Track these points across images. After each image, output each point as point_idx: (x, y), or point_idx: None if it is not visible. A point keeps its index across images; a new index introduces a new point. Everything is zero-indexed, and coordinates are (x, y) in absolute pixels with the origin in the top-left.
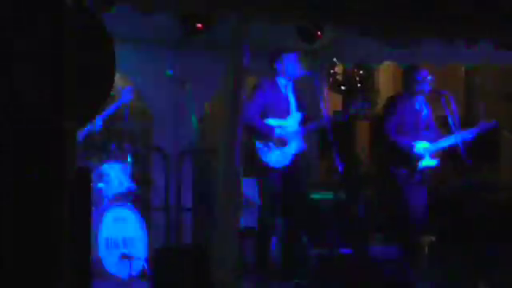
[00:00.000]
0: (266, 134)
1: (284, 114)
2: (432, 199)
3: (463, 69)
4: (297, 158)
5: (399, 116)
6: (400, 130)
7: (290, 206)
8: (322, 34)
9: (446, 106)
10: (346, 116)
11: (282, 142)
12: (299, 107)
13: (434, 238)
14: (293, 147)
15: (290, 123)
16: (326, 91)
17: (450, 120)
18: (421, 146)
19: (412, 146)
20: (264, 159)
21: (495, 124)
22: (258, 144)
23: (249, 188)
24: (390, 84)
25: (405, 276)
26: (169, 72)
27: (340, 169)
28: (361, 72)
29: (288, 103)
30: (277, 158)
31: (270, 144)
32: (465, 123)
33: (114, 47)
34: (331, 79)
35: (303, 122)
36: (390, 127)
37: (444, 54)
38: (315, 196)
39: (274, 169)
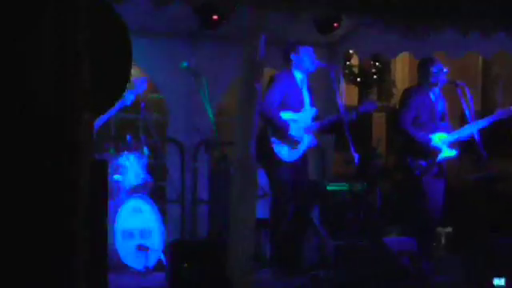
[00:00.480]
0: (282, 130)
1: (298, 108)
2: (449, 191)
3: (481, 59)
4: (306, 154)
5: (415, 109)
6: (416, 122)
7: (300, 197)
8: (338, 25)
9: (463, 97)
10: (355, 115)
11: (295, 142)
12: (313, 103)
13: (450, 230)
14: (304, 143)
15: (304, 118)
16: (342, 83)
17: (466, 111)
18: (439, 137)
19: (430, 140)
20: (276, 152)
21: None
22: (272, 137)
23: (265, 179)
24: (406, 76)
25: (421, 268)
26: (184, 64)
27: (356, 160)
28: (377, 64)
29: (302, 97)
30: (288, 152)
31: (283, 140)
32: (482, 115)
33: (130, 38)
34: (347, 71)
35: (317, 117)
36: (406, 120)
37: (461, 45)
38: (331, 187)
39: (285, 162)
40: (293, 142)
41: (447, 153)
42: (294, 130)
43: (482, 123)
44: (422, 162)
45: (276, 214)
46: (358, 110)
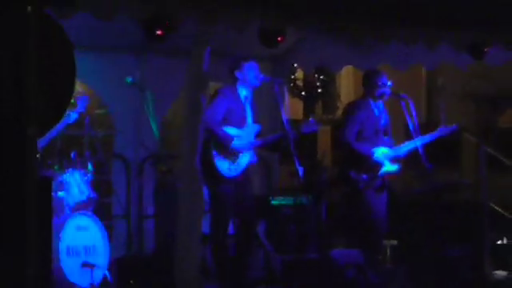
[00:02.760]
0: (224, 143)
1: (240, 123)
2: (393, 203)
3: (425, 71)
4: (247, 170)
5: (359, 122)
6: (360, 136)
7: (244, 212)
8: (283, 39)
9: (406, 110)
10: (296, 135)
11: (235, 155)
12: (256, 119)
13: (395, 242)
14: (245, 159)
15: (246, 134)
16: (286, 97)
17: (409, 124)
18: (381, 151)
19: (372, 153)
20: (218, 167)
21: (455, 128)
22: (214, 151)
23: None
24: (351, 89)
25: (368, 280)
26: (128, 79)
27: (301, 173)
28: (321, 77)
29: (245, 114)
30: (229, 167)
31: (225, 153)
32: (426, 126)
33: (74, 54)
34: (292, 85)
35: (260, 134)
36: (349, 134)
37: (405, 57)
38: (276, 201)
39: (225, 178)
40: (234, 155)
41: (389, 167)
42: (235, 146)
43: (424, 139)
44: (364, 176)
45: (215, 229)
46: (300, 131)
